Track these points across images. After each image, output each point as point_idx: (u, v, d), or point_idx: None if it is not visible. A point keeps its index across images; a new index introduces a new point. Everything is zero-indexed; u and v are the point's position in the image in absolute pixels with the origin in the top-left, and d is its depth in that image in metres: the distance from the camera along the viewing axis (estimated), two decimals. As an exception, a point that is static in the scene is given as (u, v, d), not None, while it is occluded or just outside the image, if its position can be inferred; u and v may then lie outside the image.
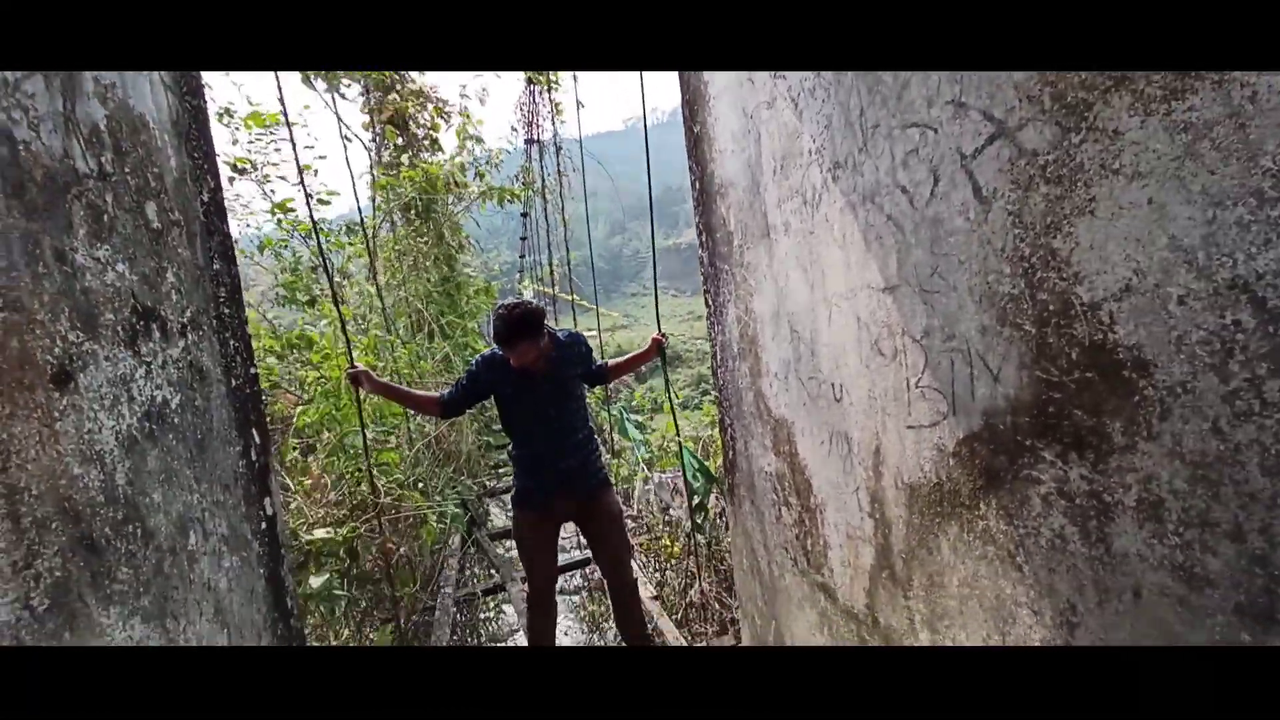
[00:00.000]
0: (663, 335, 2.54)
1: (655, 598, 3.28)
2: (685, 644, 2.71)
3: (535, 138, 7.74)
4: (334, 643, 2.96)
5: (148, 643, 1.02)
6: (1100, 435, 0.86)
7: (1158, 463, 0.79)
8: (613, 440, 5.85)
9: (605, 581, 2.63)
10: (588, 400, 2.55)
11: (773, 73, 1.59)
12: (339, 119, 4.44)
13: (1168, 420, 0.77)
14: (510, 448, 2.46)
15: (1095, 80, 0.83)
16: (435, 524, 3.69)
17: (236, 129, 4.61)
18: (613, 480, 2.75)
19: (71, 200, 1.00)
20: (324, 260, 2.52)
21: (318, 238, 2.61)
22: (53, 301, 0.92)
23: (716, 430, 4.27)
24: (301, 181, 2.32)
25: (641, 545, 3.92)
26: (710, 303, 2.28)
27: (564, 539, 2.76)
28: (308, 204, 2.44)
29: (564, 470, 2.32)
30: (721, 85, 1.92)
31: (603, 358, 2.89)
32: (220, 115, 4.62)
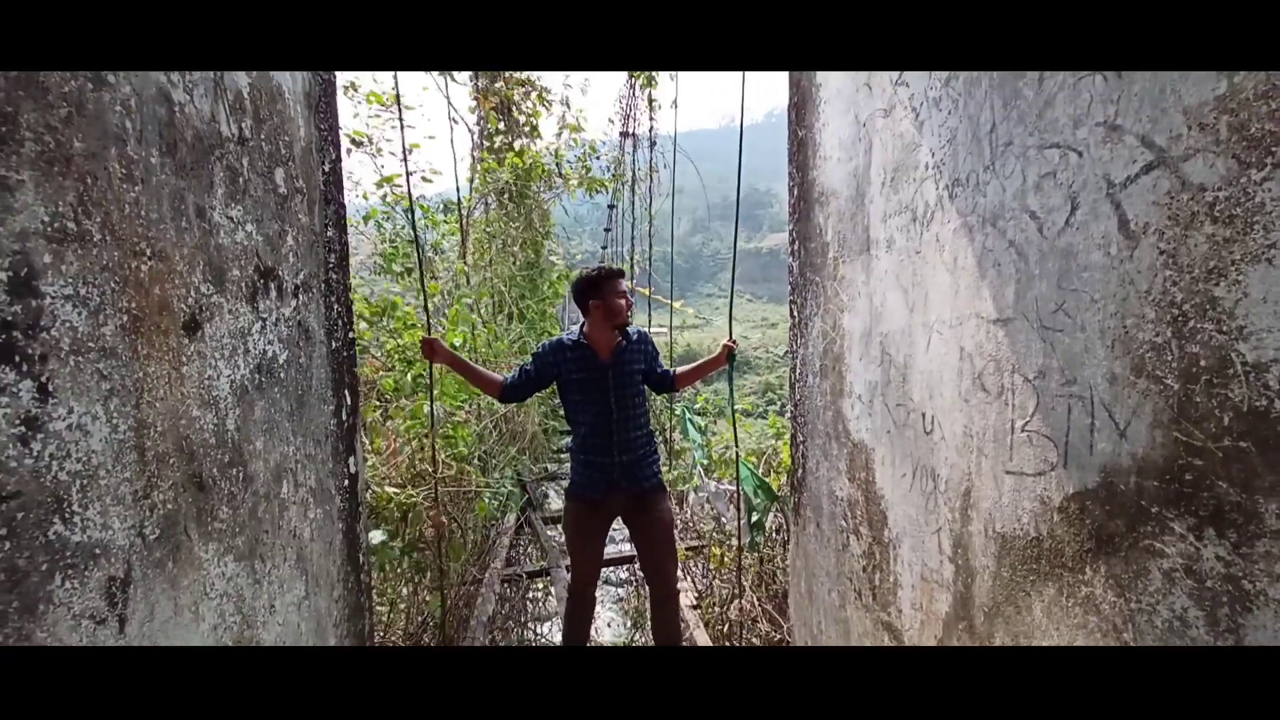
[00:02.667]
0: (733, 342, 2.47)
1: (694, 607, 3.23)
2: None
3: (631, 131, 7.80)
4: (392, 598, 3.10)
5: (237, 580, 1.10)
6: (1248, 514, 0.75)
7: (1323, 557, 0.68)
8: (672, 441, 5.81)
9: (647, 585, 2.60)
10: (648, 402, 2.51)
11: (894, 80, 1.51)
12: (448, 101, 4.64)
13: (1343, 509, 0.67)
14: (570, 439, 2.47)
15: (1290, 110, 0.72)
16: (489, 501, 3.79)
17: (359, 103, 4.92)
18: (668, 483, 2.70)
19: (214, 162, 1.08)
20: (415, 235, 2.63)
21: (412, 216, 2.74)
22: (191, 255, 1.00)
23: (780, 442, 4.15)
24: (405, 158, 2.44)
25: (690, 551, 3.88)
26: (795, 314, 2.21)
27: (615, 529, 2.75)
28: (407, 183, 2.57)
29: (618, 466, 2.29)
30: (834, 89, 1.84)
31: (671, 355, 2.85)
32: (346, 89, 4.93)
